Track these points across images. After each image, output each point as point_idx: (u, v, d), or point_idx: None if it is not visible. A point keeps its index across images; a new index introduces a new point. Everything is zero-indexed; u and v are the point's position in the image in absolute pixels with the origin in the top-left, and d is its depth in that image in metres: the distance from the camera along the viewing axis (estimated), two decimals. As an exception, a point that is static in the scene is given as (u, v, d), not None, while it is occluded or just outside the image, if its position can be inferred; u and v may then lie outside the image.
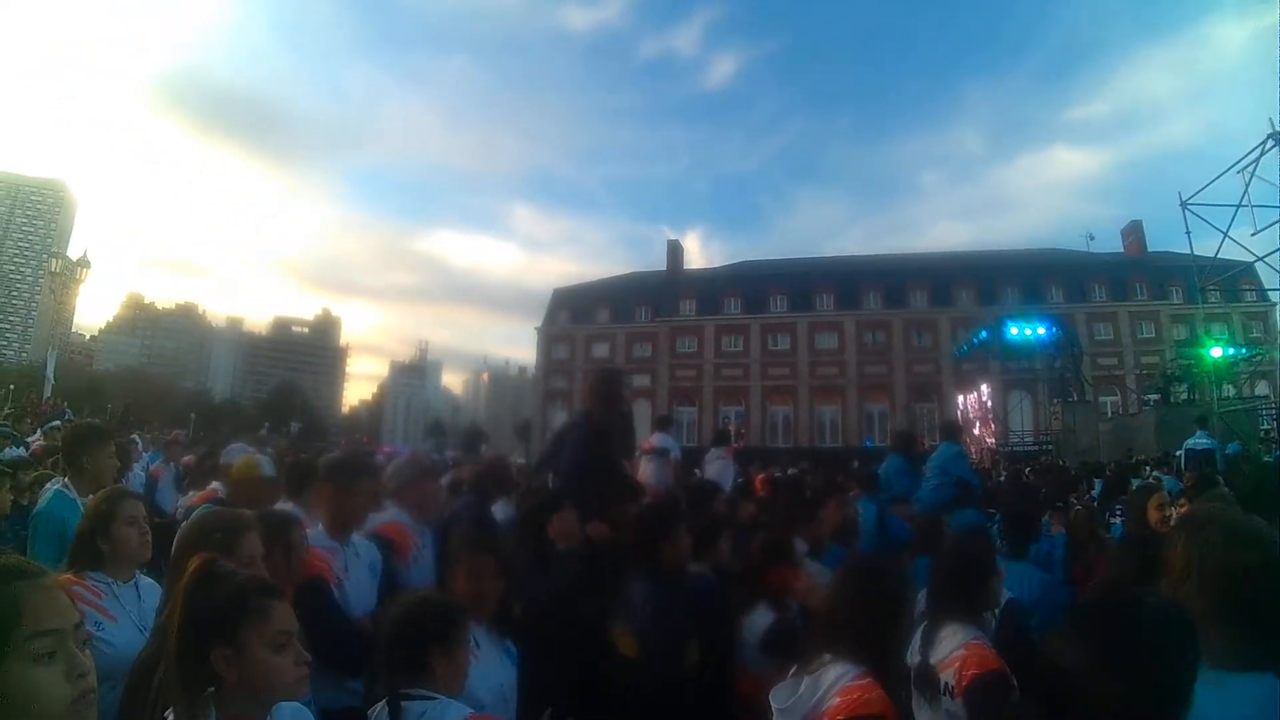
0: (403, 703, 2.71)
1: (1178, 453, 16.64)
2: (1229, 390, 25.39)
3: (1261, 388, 37.03)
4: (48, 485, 5.00)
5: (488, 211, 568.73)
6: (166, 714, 2.13)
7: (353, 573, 4.25)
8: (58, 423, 13.90)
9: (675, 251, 77.42)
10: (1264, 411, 28.43)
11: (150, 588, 3.60)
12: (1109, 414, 41.09)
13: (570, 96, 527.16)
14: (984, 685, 3.33)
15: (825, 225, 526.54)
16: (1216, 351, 24.73)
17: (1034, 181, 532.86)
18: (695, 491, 6.68)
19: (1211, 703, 2.03)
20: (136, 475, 7.91)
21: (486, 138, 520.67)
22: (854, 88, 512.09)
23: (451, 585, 3.61)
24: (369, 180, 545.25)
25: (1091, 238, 67.23)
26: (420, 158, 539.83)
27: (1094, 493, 13.34)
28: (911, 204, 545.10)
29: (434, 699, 2.75)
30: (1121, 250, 65.99)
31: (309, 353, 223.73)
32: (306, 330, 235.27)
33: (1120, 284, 60.78)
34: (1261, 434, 24.63)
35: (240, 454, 6.92)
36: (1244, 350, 28.31)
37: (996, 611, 4.28)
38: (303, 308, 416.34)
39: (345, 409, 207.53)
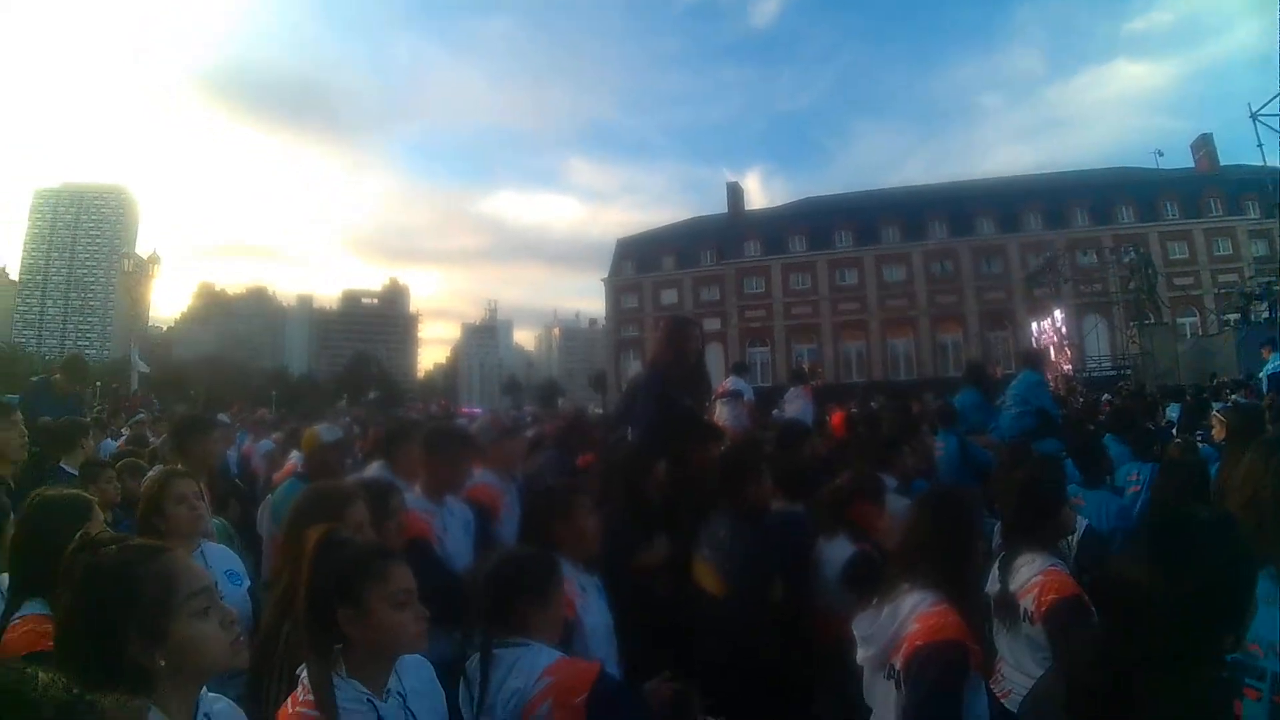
0: (495, 650, 2.80)
1: (1259, 375, 16.12)
2: None
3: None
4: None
5: (545, 168, 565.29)
6: (299, 670, 2.36)
7: (450, 531, 4.49)
8: (143, 415, 14.45)
9: (736, 193, 76.92)
10: None
11: (218, 553, 3.85)
12: (1187, 335, 40.24)
13: (616, 46, 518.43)
14: (1063, 609, 3.39)
15: (885, 156, 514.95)
16: None
17: (1096, 98, 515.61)
18: (786, 432, 6.63)
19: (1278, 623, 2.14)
20: (231, 457, 8.28)
21: (536, 95, 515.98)
22: (903, 12, 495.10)
23: (552, 532, 3.67)
24: (424, 148, 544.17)
25: (1160, 154, 65.45)
26: (472, 121, 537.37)
27: (1170, 417, 13.11)
28: (972, 129, 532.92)
29: (526, 644, 2.82)
30: (1192, 165, 63.46)
31: (380, 323, 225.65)
32: (376, 301, 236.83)
33: (1193, 200, 58.67)
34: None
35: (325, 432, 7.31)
36: (1326, 267, 27.25)
37: (1074, 540, 4.45)
38: (370, 279, 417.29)
39: (420, 374, 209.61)
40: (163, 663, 1.79)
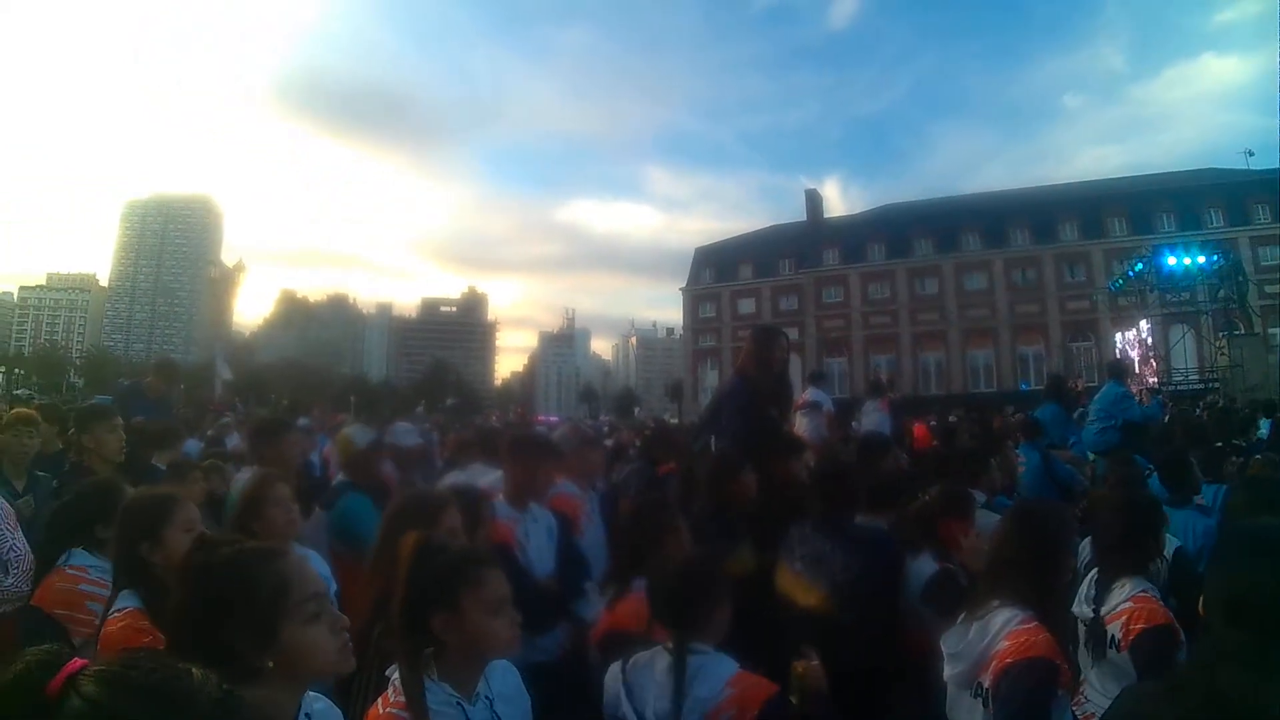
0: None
1: None
2: None
3: None
4: (239, 475, 5.39)
5: (622, 176, 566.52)
6: (389, 671, 2.46)
7: (533, 538, 4.53)
8: (229, 418, 14.78)
9: (814, 200, 76.72)
10: None
11: (312, 558, 3.83)
12: (1280, 346, 39.22)
13: (692, 53, 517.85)
14: (1151, 639, 3.40)
15: (966, 161, 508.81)
16: None
17: (1184, 95, 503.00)
18: (867, 446, 6.67)
19: None
20: (314, 459, 8.42)
21: (613, 103, 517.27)
22: (982, 11, 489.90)
23: (659, 549, 3.74)
24: (502, 157, 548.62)
25: (1251, 153, 62.90)
26: (550, 130, 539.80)
27: (1261, 433, 12.68)
28: (1055, 130, 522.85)
29: (707, 653, 2.92)
30: None
31: (458, 330, 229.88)
32: (454, 309, 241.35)
33: None
34: None
35: (404, 433, 7.37)
36: None
37: (1166, 561, 4.36)
38: (449, 287, 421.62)
39: (498, 381, 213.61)
40: (271, 664, 1.82)
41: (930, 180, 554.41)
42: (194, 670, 1.06)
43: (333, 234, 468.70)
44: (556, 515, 4.81)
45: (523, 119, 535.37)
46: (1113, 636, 3.58)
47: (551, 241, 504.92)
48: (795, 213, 76.46)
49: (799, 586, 4.37)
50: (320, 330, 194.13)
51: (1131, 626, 3.49)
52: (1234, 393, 25.85)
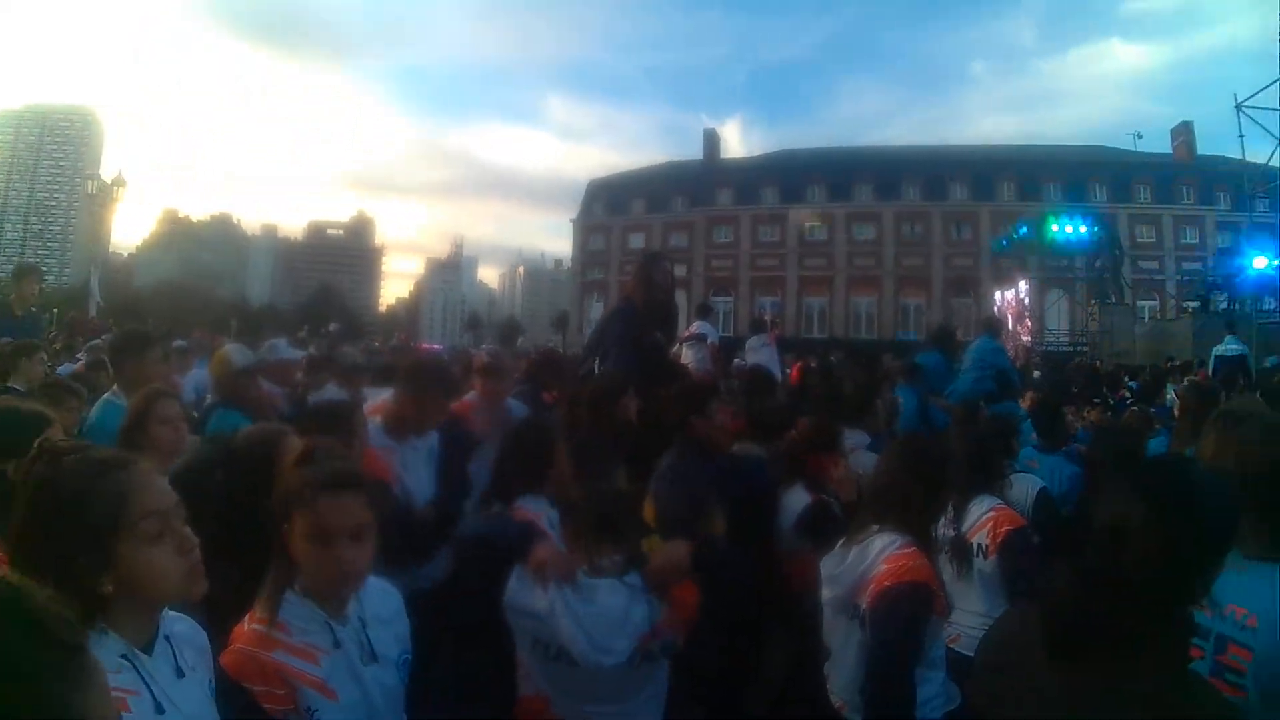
0: None
1: (1213, 352, 16.44)
2: (1270, 303, 24.81)
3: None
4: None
5: (523, 103, 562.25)
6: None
7: (411, 468, 4.38)
8: (100, 340, 14.19)
9: (712, 140, 76.53)
10: None
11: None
12: (1146, 318, 40.55)
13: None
14: (1018, 539, 3.72)
15: (869, 115, 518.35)
16: (1260, 262, 23.83)
17: (1085, 76, 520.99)
18: (754, 378, 6.75)
19: (1238, 587, 2.22)
20: (189, 383, 8.08)
21: (524, 27, 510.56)
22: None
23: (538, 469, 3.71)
24: (402, 77, 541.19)
25: (1139, 136, 65.26)
26: (454, 52, 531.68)
27: (1128, 395, 13.22)
28: (959, 95, 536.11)
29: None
30: (1170, 151, 63.99)
31: (345, 255, 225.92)
32: (342, 233, 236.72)
33: (1166, 186, 59.45)
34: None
35: (282, 349, 7.18)
36: (1289, 263, 27.58)
37: (1029, 501, 4.55)
38: (338, 210, 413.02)
39: (383, 308, 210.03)
40: (110, 588, 1.67)
41: (831, 130, 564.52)
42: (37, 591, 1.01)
43: (219, 151, 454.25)
44: (444, 435, 4.67)
45: (427, 39, 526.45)
46: (979, 545, 3.83)
47: (445, 166, 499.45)
48: (694, 152, 76.02)
49: (647, 507, 4.30)
50: (202, 252, 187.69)
51: (998, 530, 3.79)
52: (1101, 356, 26.74)
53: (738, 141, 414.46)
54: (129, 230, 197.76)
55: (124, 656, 1.71)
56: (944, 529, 3.89)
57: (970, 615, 3.71)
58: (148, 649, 1.78)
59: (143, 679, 1.73)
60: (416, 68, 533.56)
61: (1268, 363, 17.74)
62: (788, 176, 66.14)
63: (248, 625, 2.28)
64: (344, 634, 2.34)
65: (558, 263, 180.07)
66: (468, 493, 4.45)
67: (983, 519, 3.89)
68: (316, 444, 2.68)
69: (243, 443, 3.19)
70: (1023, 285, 33.12)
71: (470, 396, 5.47)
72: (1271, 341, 19.61)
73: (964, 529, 3.94)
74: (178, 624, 1.92)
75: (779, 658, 4.38)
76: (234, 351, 5.83)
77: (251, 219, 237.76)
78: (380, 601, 2.52)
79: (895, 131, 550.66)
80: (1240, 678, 2.26)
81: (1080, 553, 1.89)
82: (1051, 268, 41.09)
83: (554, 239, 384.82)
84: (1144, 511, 1.77)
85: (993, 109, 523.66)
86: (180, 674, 1.85)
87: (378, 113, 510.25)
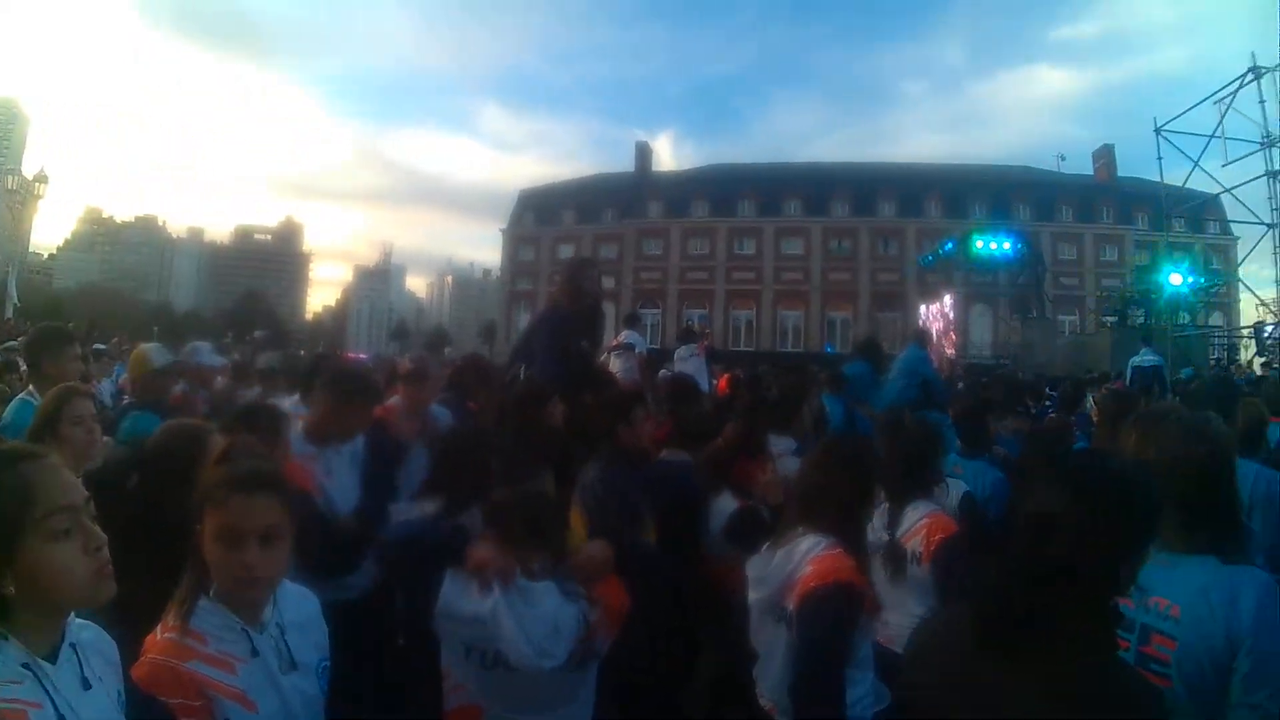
0: None
1: (1131, 363, 17.02)
2: (1184, 317, 25.76)
3: (1216, 318, 37.76)
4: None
5: (457, 111, 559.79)
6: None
7: (335, 474, 4.25)
8: (14, 343, 13.75)
9: (644, 153, 76.67)
10: (1216, 339, 29.12)
11: None
12: (1066, 332, 41.57)
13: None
14: (951, 546, 3.67)
15: (801, 131, 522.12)
16: (1176, 279, 24.86)
17: (1013, 99, 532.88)
18: (677, 386, 6.67)
19: (1161, 579, 2.31)
20: (105, 388, 7.86)
21: (463, 35, 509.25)
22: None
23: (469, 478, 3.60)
24: (336, 81, 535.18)
25: (1063, 158, 67.55)
26: (389, 58, 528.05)
27: (1049, 404, 13.70)
28: (890, 114, 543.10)
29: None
30: (1092, 173, 66.43)
31: (273, 260, 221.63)
32: (269, 238, 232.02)
33: (1087, 206, 61.60)
34: (1213, 361, 25.21)
35: (203, 352, 7.01)
36: (1202, 280, 28.63)
37: (953, 505, 4.49)
38: (267, 215, 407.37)
39: (309, 315, 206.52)
40: (12, 589, 1.55)
41: (763, 146, 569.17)
42: None
43: (146, 151, 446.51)
44: (369, 441, 4.53)
45: (363, 43, 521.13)
46: (913, 552, 3.81)
47: (377, 173, 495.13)
48: (626, 164, 76.24)
49: (574, 517, 4.20)
50: (126, 254, 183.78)
51: (932, 538, 3.76)
52: (1023, 368, 27.30)
53: (669, 155, 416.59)
54: (49, 230, 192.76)
55: (25, 666, 1.59)
56: (879, 533, 3.90)
57: (905, 616, 3.65)
58: (51, 657, 1.65)
59: (45, 690, 1.60)
60: (352, 72, 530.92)
61: (1182, 374, 18.40)
62: (718, 190, 66.50)
63: (161, 634, 2.17)
64: (261, 642, 2.25)
65: (486, 272, 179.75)
66: (395, 500, 4.30)
67: (917, 525, 3.88)
68: (236, 442, 2.64)
69: (161, 439, 3.08)
70: (948, 300, 33.66)
71: (394, 401, 5.34)
72: (1185, 353, 20.26)
73: (898, 534, 3.91)
74: (84, 631, 1.79)
75: (711, 662, 4.38)
76: (153, 351, 5.71)
77: (177, 221, 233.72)
78: (297, 607, 2.44)
79: (826, 148, 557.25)
80: (1165, 667, 2.32)
81: (1009, 547, 1.90)
82: (976, 283, 41.76)
83: (484, 249, 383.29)
84: (1070, 502, 1.79)
85: (922, 128, 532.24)
86: (87, 685, 1.72)
87: (310, 117, 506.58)
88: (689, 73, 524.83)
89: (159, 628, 2.19)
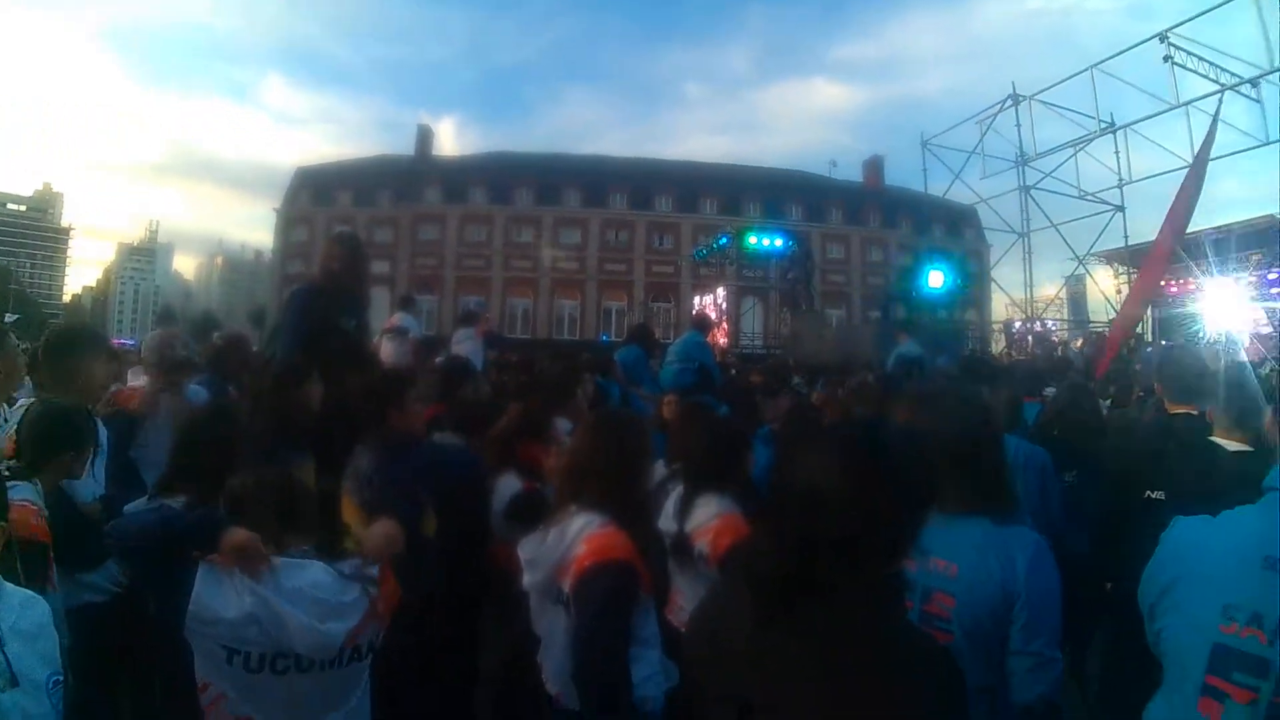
0: None
1: (894, 353, 18.09)
2: (942, 314, 27.68)
3: (971, 315, 40.32)
4: None
5: (240, 80, 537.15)
6: None
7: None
8: None
9: (425, 136, 75.39)
10: (970, 334, 31.32)
11: None
12: (834, 325, 43.31)
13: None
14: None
15: (585, 124, 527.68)
16: (935, 279, 26.50)
17: (791, 108, 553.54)
18: (450, 370, 6.49)
19: (939, 541, 2.44)
20: None
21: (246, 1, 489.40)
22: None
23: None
24: (108, 36, 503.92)
25: (834, 164, 70.96)
26: (169, 14, 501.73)
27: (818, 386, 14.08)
28: (674, 113, 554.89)
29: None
30: (861, 180, 69.94)
31: (26, 234, 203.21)
32: (23, 208, 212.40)
33: (856, 210, 64.92)
34: (966, 353, 26.93)
35: None
36: (959, 281, 30.63)
37: None
38: (20, 183, 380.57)
39: (67, 296, 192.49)
40: None
41: (548, 137, 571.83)
42: None
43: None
44: (112, 425, 4.35)
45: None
46: (700, 552, 3.73)
47: (145, 140, 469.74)
48: (409, 147, 74.56)
49: (349, 508, 3.98)
50: None
51: (719, 542, 3.63)
52: (792, 357, 28.39)
53: (453, 141, 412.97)
54: None
55: None
56: (669, 521, 3.91)
57: (696, 601, 3.60)
58: None
59: None
60: (123, 28, 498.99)
61: (939, 361, 19.64)
62: (498, 178, 66.15)
63: None
64: None
65: (258, 254, 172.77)
66: (138, 485, 4.07)
67: (708, 524, 3.76)
68: None
69: None
70: (720, 292, 34.57)
71: (138, 384, 5.19)
72: (942, 344, 21.68)
73: (688, 528, 3.84)
74: None
75: (500, 649, 4.27)
76: None
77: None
78: (20, 613, 2.17)
79: (608, 143, 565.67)
80: (946, 624, 2.52)
81: (778, 518, 1.89)
82: (748, 277, 43.14)
83: (258, 229, 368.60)
84: (839, 473, 1.78)
85: (702, 129, 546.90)
86: None
87: (75, 74, 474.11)
88: (480, 60, 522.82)
89: None
